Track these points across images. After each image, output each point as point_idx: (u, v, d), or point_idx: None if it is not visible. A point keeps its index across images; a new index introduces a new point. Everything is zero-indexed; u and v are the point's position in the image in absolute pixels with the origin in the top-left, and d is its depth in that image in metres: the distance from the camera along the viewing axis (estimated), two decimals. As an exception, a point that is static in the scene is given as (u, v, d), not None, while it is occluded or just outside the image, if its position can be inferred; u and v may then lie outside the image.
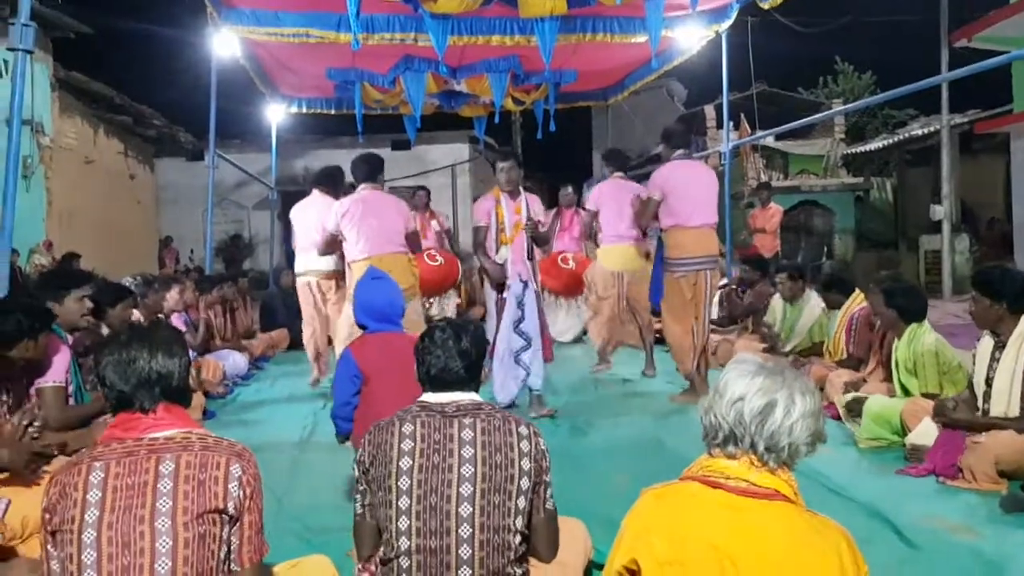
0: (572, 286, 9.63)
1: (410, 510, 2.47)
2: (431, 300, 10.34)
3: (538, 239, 6.26)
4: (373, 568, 2.64)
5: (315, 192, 7.68)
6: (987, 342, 4.56)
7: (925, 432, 4.71)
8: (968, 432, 4.42)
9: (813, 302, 7.44)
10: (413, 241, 6.60)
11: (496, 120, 11.89)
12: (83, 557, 2.08)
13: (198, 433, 2.28)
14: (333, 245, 6.66)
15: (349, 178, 6.97)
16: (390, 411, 2.72)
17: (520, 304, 6.17)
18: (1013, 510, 3.89)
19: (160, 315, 6.80)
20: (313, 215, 7.27)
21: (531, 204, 6.25)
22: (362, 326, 4.35)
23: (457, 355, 2.67)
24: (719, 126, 17.19)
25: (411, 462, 2.50)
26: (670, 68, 11.32)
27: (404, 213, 6.53)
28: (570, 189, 10.22)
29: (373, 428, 2.63)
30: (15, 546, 3.32)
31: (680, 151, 6.70)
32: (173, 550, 2.10)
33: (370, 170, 6.46)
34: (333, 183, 7.67)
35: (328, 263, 7.40)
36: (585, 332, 9.26)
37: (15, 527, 3.25)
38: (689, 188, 6.49)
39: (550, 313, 9.32)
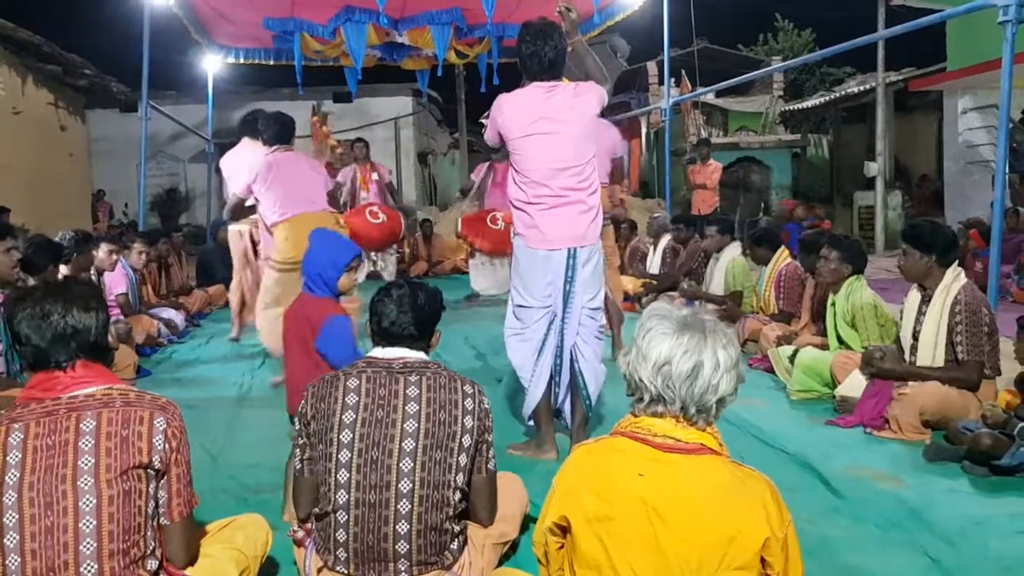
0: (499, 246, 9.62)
1: (350, 463, 2.46)
2: (373, 258, 10.26)
3: None
4: (309, 525, 2.64)
5: (245, 140, 7.14)
6: (915, 296, 4.69)
7: (854, 384, 4.84)
8: (896, 383, 4.56)
9: (728, 252, 7.66)
10: (333, 199, 6.42)
11: (439, 73, 11.74)
12: (5, 519, 2.04)
13: (119, 389, 2.23)
14: (241, 210, 6.41)
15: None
16: None
17: None
18: (936, 459, 4.04)
19: (90, 273, 6.62)
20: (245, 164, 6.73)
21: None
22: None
23: (410, 310, 2.67)
24: (661, 82, 17.21)
25: (354, 416, 2.49)
26: (613, 24, 11.27)
27: (321, 171, 6.28)
28: None
29: (318, 381, 2.62)
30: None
31: None
32: (97, 508, 2.07)
33: (281, 130, 6.17)
34: (254, 130, 6.98)
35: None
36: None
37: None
38: None
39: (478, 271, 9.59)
